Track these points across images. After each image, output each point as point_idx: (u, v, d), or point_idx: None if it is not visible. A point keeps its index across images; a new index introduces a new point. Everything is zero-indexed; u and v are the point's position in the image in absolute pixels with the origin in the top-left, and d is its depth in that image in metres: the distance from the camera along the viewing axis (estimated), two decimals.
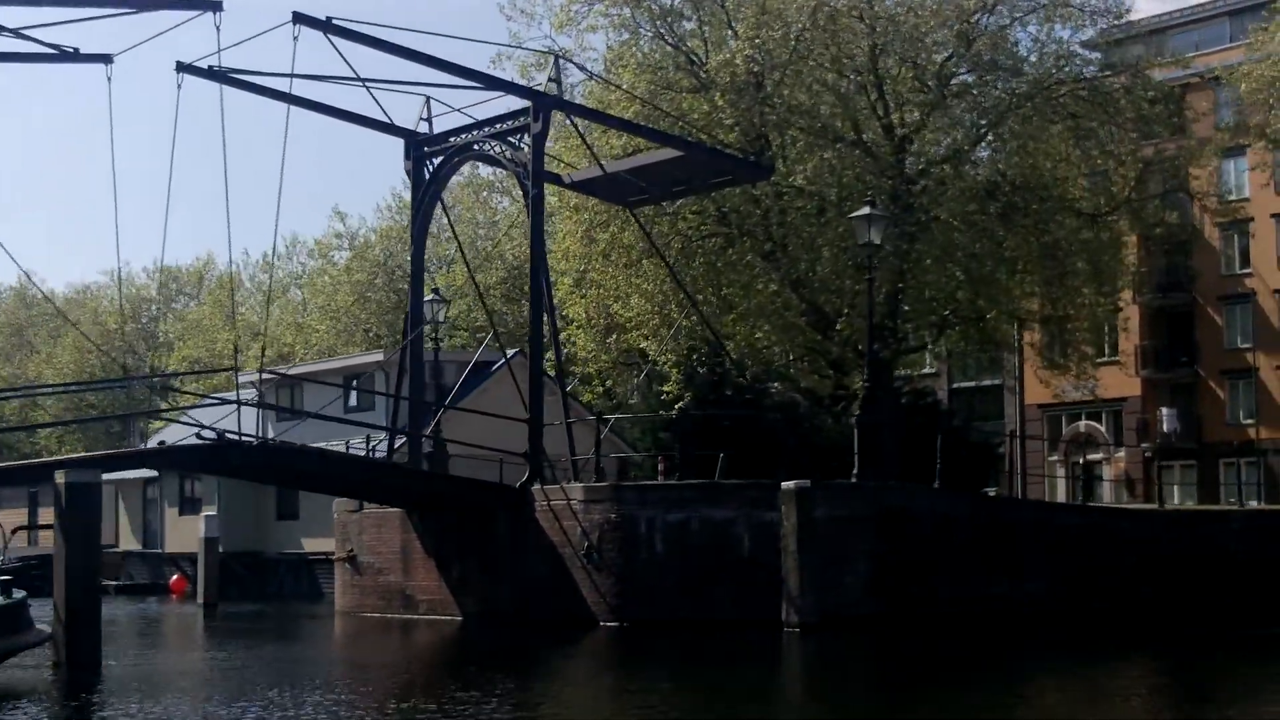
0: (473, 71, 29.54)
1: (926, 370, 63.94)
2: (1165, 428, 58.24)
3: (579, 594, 28.01)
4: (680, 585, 27.27)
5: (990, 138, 38.56)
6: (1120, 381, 59.74)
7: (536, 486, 28.95)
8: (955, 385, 64.21)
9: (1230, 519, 31.52)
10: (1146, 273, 58.22)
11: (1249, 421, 55.52)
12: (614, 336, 40.12)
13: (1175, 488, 58.72)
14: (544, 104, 29.50)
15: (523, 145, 29.76)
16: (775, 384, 45.77)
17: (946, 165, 37.13)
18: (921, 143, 38.06)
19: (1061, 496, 59.40)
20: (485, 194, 60.62)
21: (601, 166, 30.98)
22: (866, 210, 28.67)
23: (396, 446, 38.69)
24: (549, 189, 40.02)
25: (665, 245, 37.81)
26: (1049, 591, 29.08)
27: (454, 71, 29.31)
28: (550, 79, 29.66)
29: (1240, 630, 27.56)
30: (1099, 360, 56.05)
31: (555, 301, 45.23)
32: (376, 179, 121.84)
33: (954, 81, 37.50)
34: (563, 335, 43.67)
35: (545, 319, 29.97)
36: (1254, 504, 46.92)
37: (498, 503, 29.26)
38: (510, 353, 44.39)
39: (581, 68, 32.95)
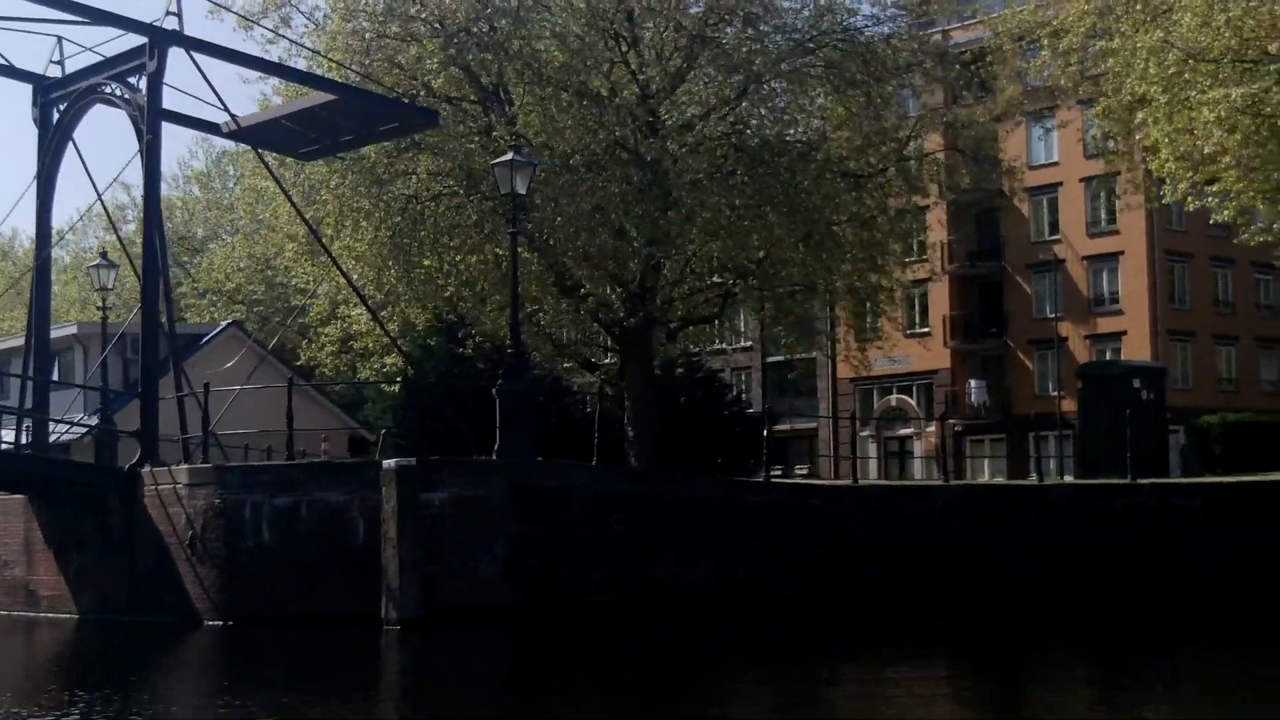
0: (78, 5, 26.36)
1: (742, 344, 61.35)
2: (973, 400, 55.97)
3: (184, 589, 24.94)
4: (288, 578, 24.20)
5: (749, 94, 36.07)
6: (930, 354, 57.57)
7: (147, 469, 25.79)
8: (769, 359, 61.60)
9: (933, 495, 28.88)
10: (955, 241, 56.00)
11: (1057, 393, 53.37)
12: (389, 309, 37.58)
13: (985, 462, 56.61)
14: (161, 40, 26.35)
15: (140, 86, 26.60)
16: (536, 356, 43.29)
17: (699, 123, 34.57)
18: (675, 100, 35.54)
19: (874, 474, 57.04)
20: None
21: (231, 115, 27.91)
22: (509, 156, 25.67)
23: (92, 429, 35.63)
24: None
25: (390, 204, 34.97)
26: (724, 576, 26.37)
27: (57, 5, 26.17)
28: (170, 12, 26.46)
29: (922, 620, 25.06)
30: (907, 332, 53.87)
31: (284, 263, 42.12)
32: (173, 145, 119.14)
33: (710, 36, 34.95)
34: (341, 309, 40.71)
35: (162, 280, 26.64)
36: (1068, 478, 44.69)
37: (108, 487, 26.09)
38: (224, 324, 41.48)
39: (225, 8, 29.70)
